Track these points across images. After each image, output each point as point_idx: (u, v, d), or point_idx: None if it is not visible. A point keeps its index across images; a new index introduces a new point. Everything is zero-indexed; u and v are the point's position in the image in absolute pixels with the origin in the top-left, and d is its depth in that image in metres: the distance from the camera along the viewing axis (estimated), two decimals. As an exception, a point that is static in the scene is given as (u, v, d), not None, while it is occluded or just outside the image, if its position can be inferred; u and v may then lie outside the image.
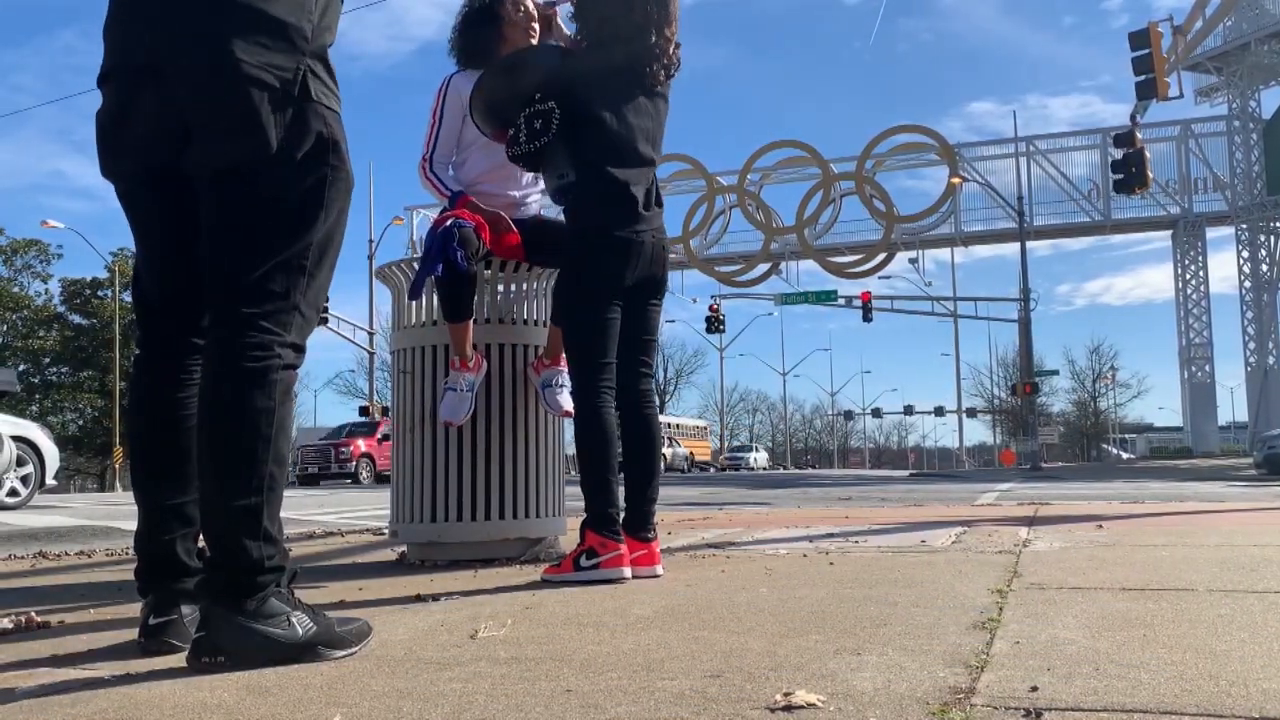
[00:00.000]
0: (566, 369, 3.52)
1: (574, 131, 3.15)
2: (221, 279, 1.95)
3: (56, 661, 1.99)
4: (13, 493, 10.74)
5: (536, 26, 3.55)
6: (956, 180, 33.28)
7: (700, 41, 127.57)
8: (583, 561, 3.01)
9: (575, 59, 3.25)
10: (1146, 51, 15.69)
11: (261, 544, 1.89)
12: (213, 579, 1.88)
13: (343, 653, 1.92)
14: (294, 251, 1.96)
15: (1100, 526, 4.56)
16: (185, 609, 2.05)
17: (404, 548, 3.83)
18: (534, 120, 3.14)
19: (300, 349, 2.01)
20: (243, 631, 1.83)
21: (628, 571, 3.04)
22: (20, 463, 10.79)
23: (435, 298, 3.57)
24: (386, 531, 4.24)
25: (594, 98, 3.17)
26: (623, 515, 3.16)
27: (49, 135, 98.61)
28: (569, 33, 3.50)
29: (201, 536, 2.01)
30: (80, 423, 46.91)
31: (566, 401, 3.52)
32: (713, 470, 45.45)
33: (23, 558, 4.67)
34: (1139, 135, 16.71)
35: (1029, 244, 36.81)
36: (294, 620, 1.89)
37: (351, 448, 26.33)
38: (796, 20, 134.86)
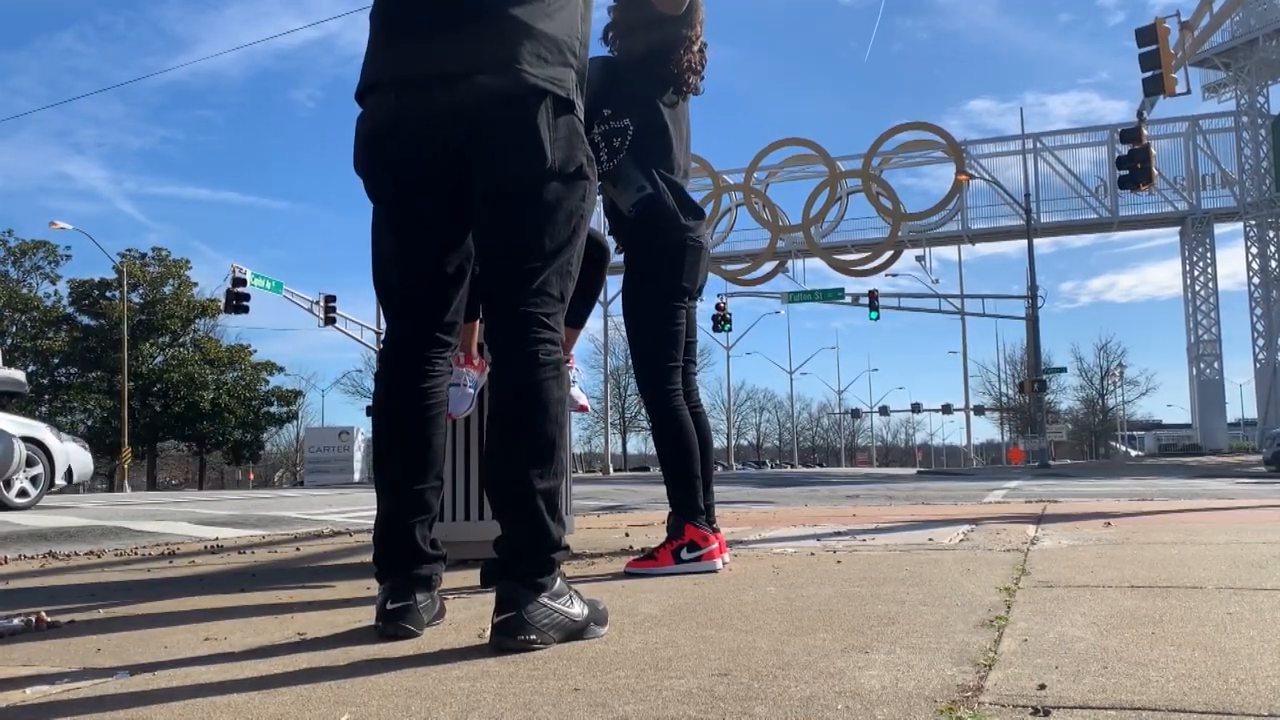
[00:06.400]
0: (574, 365, 3.62)
1: (643, 145, 3.24)
2: (512, 279, 2.05)
3: (66, 661, 2.00)
4: (22, 493, 10.79)
5: None
6: (963, 177, 33.20)
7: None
8: (684, 554, 3.16)
9: (631, 73, 3.29)
10: (1154, 48, 15.64)
11: (559, 525, 2.01)
12: (513, 561, 1.97)
13: (604, 630, 2.04)
14: (566, 257, 2.10)
15: (1108, 524, 4.55)
16: (419, 596, 2.15)
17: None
18: (612, 138, 3.21)
19: None
20: (547, 610, 1.93)
21: (719, 563, 3.19)
22: (30, 463, 10.83)
23: None
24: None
25: (657, 110, 3.28)
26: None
27: (49, 138, 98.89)
28: None
29: (495, 517, 2.09)
30: (89, 423, 47.01)
31: (580, 396, 3.60)
32: (719, 469, 45.45)
33: (33, 558, 4.69)
34: (1145, 131, 16.67)
35: (1034, 241, 36.71)
36: (573, 598, 2.01)
37: None
38: (793, 20, 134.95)
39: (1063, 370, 54.13)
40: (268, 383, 51.47)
